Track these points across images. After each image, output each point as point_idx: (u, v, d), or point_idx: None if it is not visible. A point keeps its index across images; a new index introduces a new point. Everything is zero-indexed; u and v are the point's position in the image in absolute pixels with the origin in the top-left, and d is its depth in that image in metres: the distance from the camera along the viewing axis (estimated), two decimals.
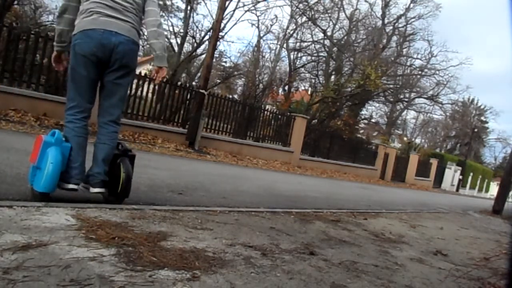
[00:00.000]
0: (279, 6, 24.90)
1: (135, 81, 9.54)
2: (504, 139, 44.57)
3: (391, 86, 25.68)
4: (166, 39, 19.70)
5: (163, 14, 19.46)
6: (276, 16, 21.45)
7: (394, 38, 26.47)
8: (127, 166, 2.71)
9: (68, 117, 2.69)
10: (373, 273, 2.50)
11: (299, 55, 21.87)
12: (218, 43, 12.79)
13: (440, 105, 29.92)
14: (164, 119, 10.22)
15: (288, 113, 15.00)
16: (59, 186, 2.51)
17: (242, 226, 3.04)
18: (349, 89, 19.86)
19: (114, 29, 2.57)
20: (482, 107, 43.11)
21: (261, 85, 17.40)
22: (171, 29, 19.56)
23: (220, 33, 13.08)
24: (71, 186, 2.57)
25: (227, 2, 11.73)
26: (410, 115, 41.00)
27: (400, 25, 25.72)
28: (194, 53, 16.62)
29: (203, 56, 15.03)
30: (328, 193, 7.47)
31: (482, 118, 43.49)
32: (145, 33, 3.03)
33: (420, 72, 27.49)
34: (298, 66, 21.76)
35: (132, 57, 2.70)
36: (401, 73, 27.27)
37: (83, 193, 2.69)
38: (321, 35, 21.19)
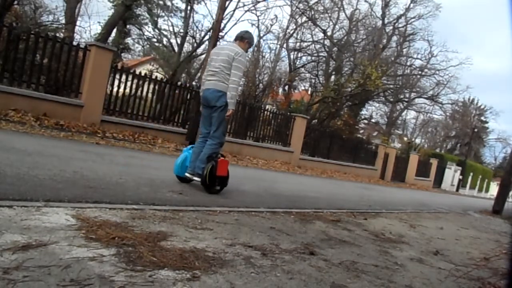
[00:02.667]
0: (279, 6, 24.93)
1: (135, 81, 9.56)
2: (504, 139, 44.55)
3: (391, 86, 25.61)
4: (167, 39, 19.78)
5: (164, 14, 19.48)
6: (276, 16, 21.42)
7: (394, 38, 26.41)
8: (207, 166, 4.12)
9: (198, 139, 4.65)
10: (373, 273, 2.50)
11: (299, 55, 21.84)
12: (218, 43, 12.77)
13: (440, 105, 29.87)
14: (164, 119, 10.21)
15: (288, 113, 15.00)
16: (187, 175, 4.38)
17: (242, 226, 3.04)
18: (349, 89, 19.81)
19: (207, 87, 4.34)
20: (482, 107, 43.05)
21: (261, 85, 17.37)
22: (171, 29, 19.57)
23: (220, 33, 13.05)
24: (185, 174, 4.38)
25: (227, 2, 11.70)
26: (410, 115, 40.98)
27: (400, 25, 25.67)
28: (194, 53, 16.59)
29: (203, 56, 15.01)
30: (328, 193, 7.47)
31: (482, 118, 43.44)
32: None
33: (420, 72, 27.43)
34: (298, 66, 21.73)
35: (215, 100, 4.24)
36: (401, 73, 27.19)
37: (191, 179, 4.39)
38: (321, 35, 21.16)
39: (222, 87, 4.20)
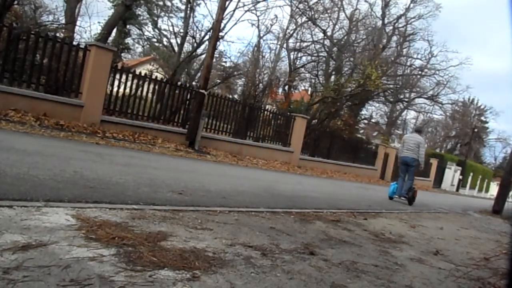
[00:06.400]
0: (279, 6, 24.96)
1: (135, 81, 9.57)
2: (504, 139, 44.55)
3: (391, 86, 25.61)
4: (167, 39, 19.81)
5: (164, 14, 19.49)
6: (276, 16, 21.41)
7: (394, 38, 26.37)
8: (410, 193, 8.42)
9: (398, 179, 8.80)
10: (373, 273, 2.50)
11: (299, 55, 21.82)
12: (218, 43, 12.77)
13: (440, 105, 29.91)
14: (164, 119, 10.20)
15: (288, 113, 14.99)
16: (395, 196, 8.60)
17: (242, 226, 3.04)
18: (349, 89, 19.79)
19: (405, 155, 8.61)
20: (482, 107, 43.06)
21: (261, 85, 17.37)
22: (171, 29, 19.57)
23: (220, 33, 13.05)
24: (395, 196, 8.51)
25: (227, 2, 11.69)
26: (410, 115, 40.97)
27: (400, 25, 25.64)
28: (194, 53, 16.57)
29: (203, 56, 14.99)
30: (328, 193, 7.47)
31: (482, 118, 43.44)
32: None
33: (420, 72, 27.43)
34: (298, 66, 21.72)
35: (412, 162, 8.49)
36: (401, 73, 27.20)
37: (399, 199, 8.47)
38: (321, 35, 21.14)
39: (415, 156, 8.39)
